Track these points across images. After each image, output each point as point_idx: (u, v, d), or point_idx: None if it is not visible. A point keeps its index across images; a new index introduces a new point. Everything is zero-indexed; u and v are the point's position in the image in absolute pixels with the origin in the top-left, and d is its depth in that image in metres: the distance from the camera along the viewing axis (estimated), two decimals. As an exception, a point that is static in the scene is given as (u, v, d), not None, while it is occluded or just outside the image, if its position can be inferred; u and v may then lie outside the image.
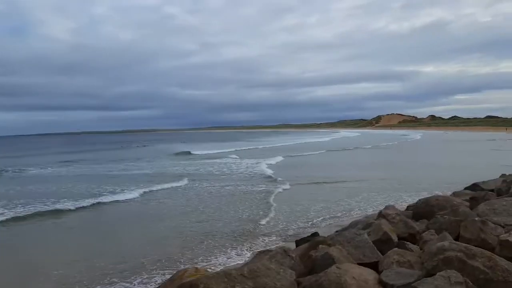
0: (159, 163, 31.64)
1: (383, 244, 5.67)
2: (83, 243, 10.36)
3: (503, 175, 13.44)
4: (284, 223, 11.33)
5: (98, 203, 14.96)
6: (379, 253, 5.17)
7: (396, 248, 4.88)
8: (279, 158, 32.48)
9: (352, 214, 11.95)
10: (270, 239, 9.74)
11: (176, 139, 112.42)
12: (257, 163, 28.68)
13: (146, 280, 7.40)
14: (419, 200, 8.47)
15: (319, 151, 41.44)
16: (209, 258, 8.48)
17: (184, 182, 19.76)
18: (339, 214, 12.14)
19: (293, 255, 4.92)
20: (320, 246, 5.60)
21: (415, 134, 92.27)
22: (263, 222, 11.55)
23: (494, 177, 13.01)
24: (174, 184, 19.07)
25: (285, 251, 4.84)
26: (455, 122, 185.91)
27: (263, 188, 17.44)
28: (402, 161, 30.43)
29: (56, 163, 34.44)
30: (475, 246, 5.73)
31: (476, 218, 5.75)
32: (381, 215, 7.47)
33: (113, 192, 17.20)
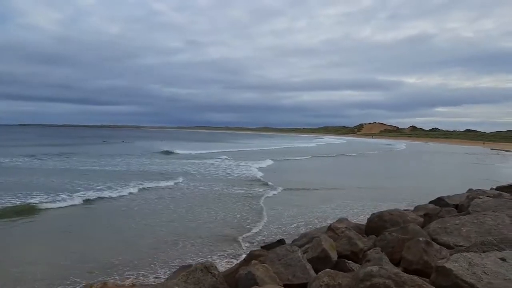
0: (145, 161, 30.89)
1: (320, 262, 5.25)
2: (53, 241, 9.76)
3: (469, 190, 13.24)
4: (270, 229, 10.99)
5: (87, 199, 14.46)
6: (312, 273, 4.75)
7: (328, 269, 4.45)
8: (269, 162, 32.43)
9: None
10: (245, 245, 9.36)
11: (161, 137, 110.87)
12: (247, 165, 28.51)
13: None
14: (373, 214, 8.09)
15: (306, 156, 41.60)
16: (172, 264, 8.04)
17: (169, 182, 19.07)
18: (316, 221, 11.88)
19: (216, 273, 4.46)
20: (253, 262, 5.16)
21: (400, 144, 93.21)
22: (249, 226, 11.22)
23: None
24: (162, 184, 18.45)
25: (206, 268, 4.36)
26: (435, 134, 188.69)
27: (254, 192, 17.02)
28: (387, 170, 30.84)
29: (41, 155, 33.56)
30: (417, 268, 5.38)
31: (421, 239, 5.38)
32: (330, 228, 7.07)
33: (100, 189, 16.57)
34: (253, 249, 7.32)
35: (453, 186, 16.63)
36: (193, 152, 42.79)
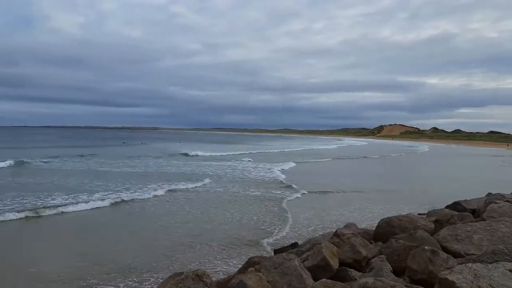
0: (167, 163, 31.09)
1: (320, 270, 5.03)
2: (74, 242, 9.81)
3: (488, 194, 12.72)
4: (294, 232, 10.86)
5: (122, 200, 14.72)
6: (308, 283, 4.55)
7: (324, 279, 4.25)
8: (291, 164, 32.26)
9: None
10: (269, 249, 9.18)
11: (179, 138, 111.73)
12: (269, 168, 28.50)
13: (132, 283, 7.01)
14: (382, 219, 7.80)
15: (327, 159, 41.33)
16: (189, 266, 7.97)
17: (196, 184, 19.22)
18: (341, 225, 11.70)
19: (208, 281, 4.30)
20: (250, 269, 4.99)
21: (422, 146, 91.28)
22: (270, 229, 11.12)
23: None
24: (189, 186, 18.57)
25: (198, 276, 4.20)
26: (458, 135, 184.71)
27: (278, 195, 16.86)
28: (409, 173, 30.44)
29: (72, 156, 34.50)
30: (422, 278, 5.11)
31: (426, 247, 5.12)
32: (335, 234, 6.85)
33: (131, 190, 16.88)
34: (252, 255, 7.14)
35: (475, 190, 16.07)
36: (214, 153, 42.88)
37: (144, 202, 14.87)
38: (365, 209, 14.11)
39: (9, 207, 12.71)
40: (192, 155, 40.37)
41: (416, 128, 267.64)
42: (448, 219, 7.47)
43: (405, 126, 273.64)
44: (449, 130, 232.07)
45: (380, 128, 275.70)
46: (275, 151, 54.78)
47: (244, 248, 9.35)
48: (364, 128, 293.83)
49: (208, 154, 42.23)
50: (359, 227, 10.70)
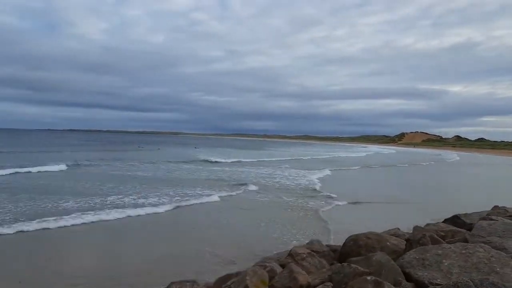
0: (207, 169, 30.88)
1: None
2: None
3: (495, 207, 11.56)
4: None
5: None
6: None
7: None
8: (327, 172, 31.66)
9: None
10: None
11: (203, 143, 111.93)
12: (306, 175, 28.16)
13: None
14: (350, 236, 6.88)
15: (358, 166, 40.34)
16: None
17: (237, 191, 18.88)
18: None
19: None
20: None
21: (451, 155, 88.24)
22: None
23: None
24: (233, 192, 18.46)
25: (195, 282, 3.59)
26: (482, 144, 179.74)
27: (319, 204, 16.07)
28: (441, 182, 29.50)
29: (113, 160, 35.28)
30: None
31: (369, 277, 4.32)
32: (290, 254, 6.10)
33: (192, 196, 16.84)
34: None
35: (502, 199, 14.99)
36: (244, 160, 42.59)
37: (203, 206, 14.98)
38: (401, 219, 12.91)
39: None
40: (244, 161, 40.33)
41: (439, 136, 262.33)
42: (419, 238, 6.53)
43: (427, 134, 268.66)
44: (473, 139, 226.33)
45: (401, 135, 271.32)
46: (305, 158, 53.78)
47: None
48: (385, 136, 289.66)
49: (247, 160, 42.25)
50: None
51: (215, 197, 16.49)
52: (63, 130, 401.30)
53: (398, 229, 8.86)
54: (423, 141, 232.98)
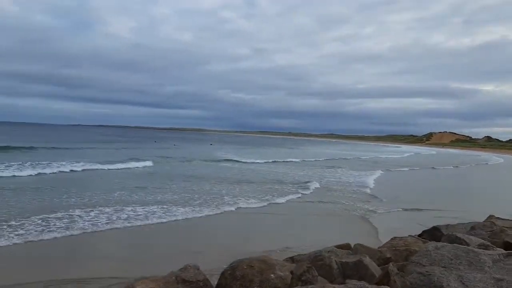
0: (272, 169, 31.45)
1: None
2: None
3: (490, 217, 9.34)
4: None
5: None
6: None
7: None
8: (379, 173, 31.42)
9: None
10: None
11: (230, 140, 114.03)
12: (360, 175, 28.39)
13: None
14: (231, 263, 5.45)
15: (405, 168, 39.50)
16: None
17: (305, 191, 19.43)
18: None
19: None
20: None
21: (491, 156, 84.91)
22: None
23: None
24: (303, 192, 19.10)
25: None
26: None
27: (368, 209, 15.57)
28: (491, 187, 28.10)
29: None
30: None
31: None
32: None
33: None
34: None
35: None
36: (293, 159, 43.07)
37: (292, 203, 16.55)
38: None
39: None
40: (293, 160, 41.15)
41: (468, 136, 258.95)
42: (301, 274, 4.63)
43: (455, 134, 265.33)
44: (504, 140, 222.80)
45: (429, 135, 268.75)
46: (348, 158, 53.11)
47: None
48: (412, 135, 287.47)
49: (297, 160, 42.65)
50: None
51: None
52: (92, 125, 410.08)
53: (349, 244, 7.19)
54: (451, 141, 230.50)
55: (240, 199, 16.33)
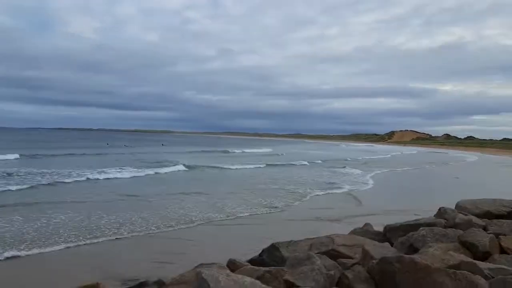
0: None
1: None
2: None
3: (441, 209, 8.82)
4: None
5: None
6: None
7: None
8: (378, 171, 33.17)
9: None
10: None
11: (200, 142, 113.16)
12: (360, 175, 29.76)
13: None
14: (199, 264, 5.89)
15: (401, 168, 39.97)
16: None
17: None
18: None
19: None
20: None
21: (465, 154, 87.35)
22: None
23: None
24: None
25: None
26: (470, 142, 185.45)
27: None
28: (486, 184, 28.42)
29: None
30: None
31: None
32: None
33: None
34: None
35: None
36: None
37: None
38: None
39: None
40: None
41: (428, 134, 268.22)
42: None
43: (417, 132, 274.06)
44: (462, 137, 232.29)
45: (391, 134, 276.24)
46: (338, 158, 53.31)
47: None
48: (375, 134, 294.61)
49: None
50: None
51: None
52: (53, 128, 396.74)
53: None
54: (412, 139, 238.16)
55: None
